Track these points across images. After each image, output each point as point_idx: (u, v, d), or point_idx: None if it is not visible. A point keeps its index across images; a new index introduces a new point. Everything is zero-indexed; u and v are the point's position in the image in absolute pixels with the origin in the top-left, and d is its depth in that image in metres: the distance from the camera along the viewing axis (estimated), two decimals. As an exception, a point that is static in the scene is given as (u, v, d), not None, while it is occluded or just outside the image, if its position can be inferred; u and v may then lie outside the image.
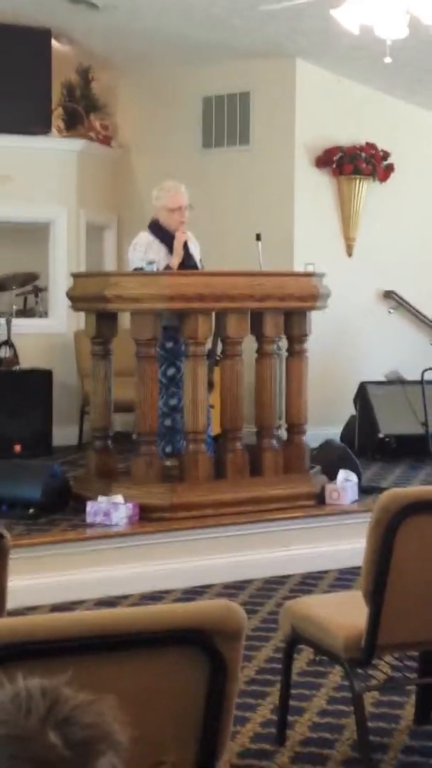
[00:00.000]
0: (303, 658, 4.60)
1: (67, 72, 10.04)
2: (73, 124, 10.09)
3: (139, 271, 6.65)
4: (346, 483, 6.79)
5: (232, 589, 5.89)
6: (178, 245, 6.77)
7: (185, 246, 6.85)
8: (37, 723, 1.23)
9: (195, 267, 6.89)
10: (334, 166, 9.49)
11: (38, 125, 9.46)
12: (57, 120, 9.99)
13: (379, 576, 3.47)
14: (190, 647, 2.19)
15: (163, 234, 6.86)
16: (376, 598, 3.49)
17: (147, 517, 6.26)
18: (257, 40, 8.82)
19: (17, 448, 8.28)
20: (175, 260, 6.75)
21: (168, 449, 6.73)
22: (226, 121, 9.69)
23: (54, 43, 9.47)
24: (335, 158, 9.46)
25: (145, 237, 6.91)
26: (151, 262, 6.73)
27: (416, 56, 8.32)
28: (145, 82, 10.15)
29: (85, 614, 2.48)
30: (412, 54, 8.07)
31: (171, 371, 6.75)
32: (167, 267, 6.73)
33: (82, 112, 10.08)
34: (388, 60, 6.66)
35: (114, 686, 1.93)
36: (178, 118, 9.90)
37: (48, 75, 9.45)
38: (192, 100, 9.80)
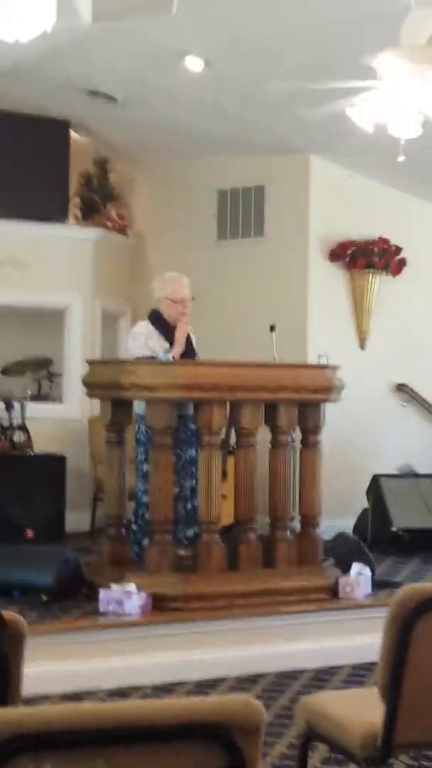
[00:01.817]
0: (318, 756, 4.53)
1: (85, 162, 10.20)
2: (90, 214, 10.23)
3: (154, 360, 6.68)
4: (359, 576, 6.75)
5: (245, 682, 5.83)
6: (180, 336, 6.80)
7: (187, 338, 6.87)
8: None
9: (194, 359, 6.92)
10: (348, 259, 9.59)
11: (56, 213, 9.61)
12: (74, 209, 10.13)
13: (395, 672, 3.43)
14: (209, 742, 2.16)
15: (163, 324, 6.90)
16: (392, 694, 3.44)
17: (160, 607, 6.23)
18: (271, 135, 8.97)
19: (29, 533, 8.25)
20: (177, 350, 6.78)
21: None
22: (241, 213, 9.81)
23: (72, 133, 9.64)
24: (348, 252, 9.57)
25: (144, 327, 6.94)
26: (167, 351, 6.77)
27: (429, 155, 8.42)
28: (160, 174, 10.31)
29: (106, 705, 2.45)
30: (424, 152, 8.18)
31: (172, 460, 6.70)
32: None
33: (99, 201, 10.22)
34: (401, 158, 6.77)
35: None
36: (193, 210, 10.03)
37: (66, 165, 9.62)
38: (207, 193, 9.94)
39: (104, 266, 9.95)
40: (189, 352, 6.89)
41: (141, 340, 6.85)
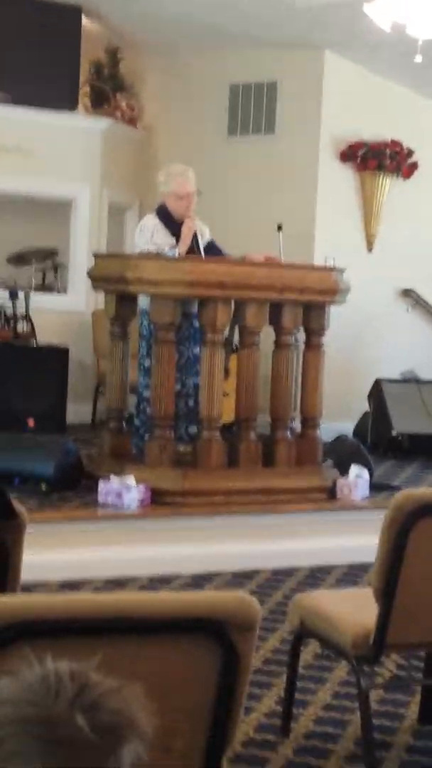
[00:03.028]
0: (309, 651, 4.61)
1: (96, 50, 10.04)
2: (100, 103, 10.09)
3: (159, 255, 6.63)
4: (357, 479, 6.80)
5: (241, 578, 5.90)
6: (187, 232, 6.71)
7: (194, 235, 6.79)
8: (65, 706, 1.25)
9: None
10: (359, 160, 9.48)
11: (65, 102, 9.48)
12: (84, 98, 9.99)
13: (390, 575, 3.48)
14: (204, 636, 2.20)
15: (170, 220, 6.81)
16: (386, 596, 3.50)
17: (158, 501, 6.29)
18: (286, 30, 8.81)
19: (31, 422, 8.29)
20: (183, 248, 6.70)
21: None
22: (253, 109, 9.67)
23: (84, 20, 9.47)
24: (360, 153, 9.45)
25: (151, 221, 6.86)
26: (172, 247, 6.71)
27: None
28: (172, 66, 10.14)
29: (104, 596, 2.49)
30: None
31: (174, 356, 6.70)
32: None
33: (109, 91, 10.07)
34: (418, 59, 6.65)
35: (130, 670, 1.94)
36: (204, 104, 9.89)
37: (77, 52, 9.47)
38: (219, 87, 9.79)
39: (113, 157, 9.84)
40: (194, 249, 6.83)
41: (147, 234, 6.79)
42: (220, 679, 2.21)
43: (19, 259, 9.47)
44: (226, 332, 6.80)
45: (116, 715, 1.27)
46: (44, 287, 9.67)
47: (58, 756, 1.21)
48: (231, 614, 2.19)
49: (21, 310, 8.91)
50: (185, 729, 2.23)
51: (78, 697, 1.26)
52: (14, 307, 8.90)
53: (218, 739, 2.26)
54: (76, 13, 9.32)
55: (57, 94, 9.38)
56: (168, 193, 6.83)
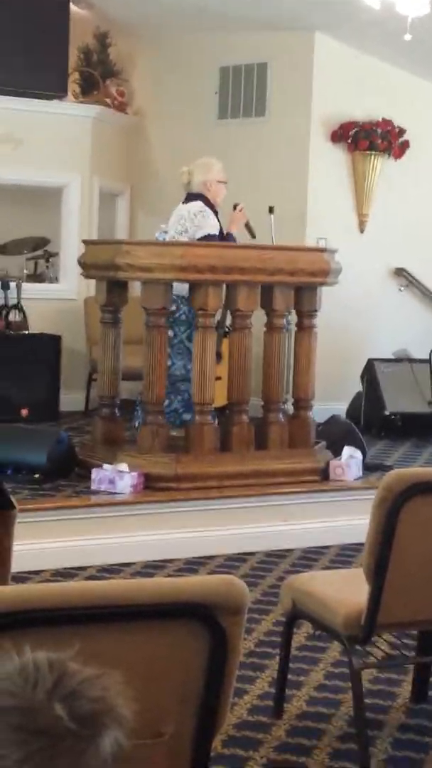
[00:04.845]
0: (302, 633, 4.63)
1: (85, 36, 10.00)
2: (89, 90, 10.06)
3: (210, 238, 6.69)
4: (350, 459, 6.81)
5: (234, 561, 5.92)
6: (240, 216, 7.04)
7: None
8: (43, 695, 1.26)
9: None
10: (350, 141, 9.44)
11: (54, 89, 9.43)
12: (73, 85, 9.95)
13: (381, 555, 3.49)
14: (192, 621, 2.21)
15: (211, 206, 6.94)
16: (377, 576, 3.51)
17: (151, 487, 6.29)
18: (276, 11, 8.77)
19: (24, 412, 8.30)
20: (234, 228, 7.02)
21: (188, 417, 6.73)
22: (243, 92, 9.64)
23: (72, 6, 9.43)
24: (351, 133, 9.41)
25: (205, 207, 6.92)
26: (164, 231, 6.72)
27: (436, 33, 8.25)
28: (162, 50, 10.09)
29: (91, 584, 2.50)
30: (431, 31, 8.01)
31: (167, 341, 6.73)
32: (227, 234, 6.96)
33: (99, 77, 10.04)
34: (408, 37, 6.64)
35: (116, 657, 1.96)
36: (194, 87, 9.86)
37: (66, 39, 9.43)
38: (209, 70, 9.75)
39: (103, 144, 9.82)
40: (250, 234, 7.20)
41: (212, 216, 6.84)
42: (209, 663, 2.22)
43: (11, 249, 9.46)
44: (218, 316, 6.80)
45: (95, 703, 1.28)
46: (36, 276, 9.67)
47: (37, 746, 1.22)
48: (219, 598, 2.20)
49: (13, 299, 8.91)
50: (175, 713, 2.24)
51: (56, 687, 1.27)
52: (6, 297, 8.91)
53: (208, 723, 2.27)
54: (64, -1, 9.29)
55: (46, 82, 9.35)
56: (212, 180, 6.96)
